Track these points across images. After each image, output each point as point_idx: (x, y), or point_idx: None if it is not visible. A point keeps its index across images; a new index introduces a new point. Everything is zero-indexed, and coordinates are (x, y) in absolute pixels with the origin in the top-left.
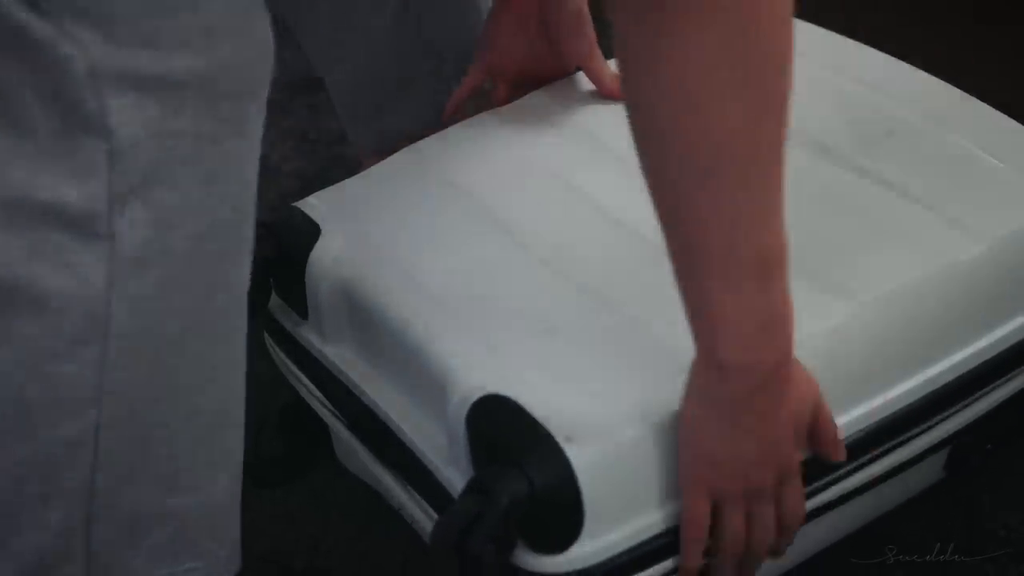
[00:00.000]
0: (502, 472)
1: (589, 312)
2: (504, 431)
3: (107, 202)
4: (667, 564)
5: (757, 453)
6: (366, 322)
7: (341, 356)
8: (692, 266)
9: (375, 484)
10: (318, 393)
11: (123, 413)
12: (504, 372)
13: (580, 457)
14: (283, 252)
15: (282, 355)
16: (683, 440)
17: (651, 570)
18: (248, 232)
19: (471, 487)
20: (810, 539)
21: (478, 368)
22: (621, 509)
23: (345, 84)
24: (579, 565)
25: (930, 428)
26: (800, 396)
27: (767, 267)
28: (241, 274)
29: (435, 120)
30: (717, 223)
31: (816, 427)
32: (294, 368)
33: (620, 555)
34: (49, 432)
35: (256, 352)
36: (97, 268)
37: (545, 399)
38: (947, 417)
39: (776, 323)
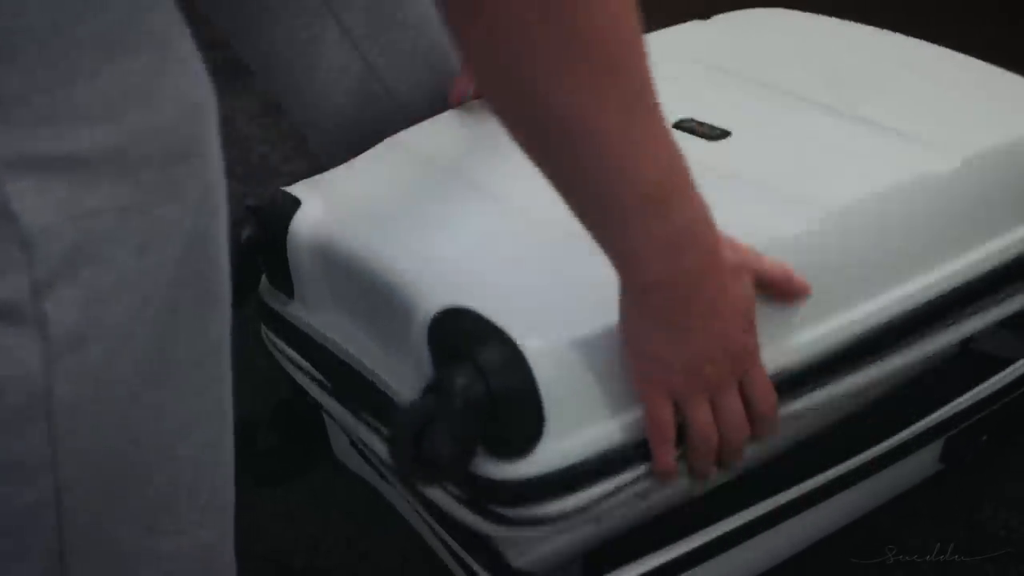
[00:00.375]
0: (457, 370)
1: (556, 245)
2: (463, 338)
3: (30, 290)
4: (640, 470)
5: (707, 348)
6: (341, 276)
7: (323, 321)
8: (583, 214)
9: (365, 459)
10: (305, 364)
11: (85, 473)
12: (467, 290)
13: (536, 352)
14: (267, 231)
15: (272, 336)
16: (630, 351)
17: (623, 475)
18: (212, 283)
19: (428, 389)
20: (810, 525)
21: (442, 290)
22: (586, 410)
23: (319, 136)
24: (544, 469)
25: (905, 348)
26: (736, 274)
27: (660, 200)
28: (209, 325)
29: None
30: (586, 181)
31: (763, 280)
32: (282, 345)
33: (588, 460)
34: (7, 499)
35: (254, 349)
36: (30, 351)
37: (505, 308)
38: (922, 339)
39: (690, 233)
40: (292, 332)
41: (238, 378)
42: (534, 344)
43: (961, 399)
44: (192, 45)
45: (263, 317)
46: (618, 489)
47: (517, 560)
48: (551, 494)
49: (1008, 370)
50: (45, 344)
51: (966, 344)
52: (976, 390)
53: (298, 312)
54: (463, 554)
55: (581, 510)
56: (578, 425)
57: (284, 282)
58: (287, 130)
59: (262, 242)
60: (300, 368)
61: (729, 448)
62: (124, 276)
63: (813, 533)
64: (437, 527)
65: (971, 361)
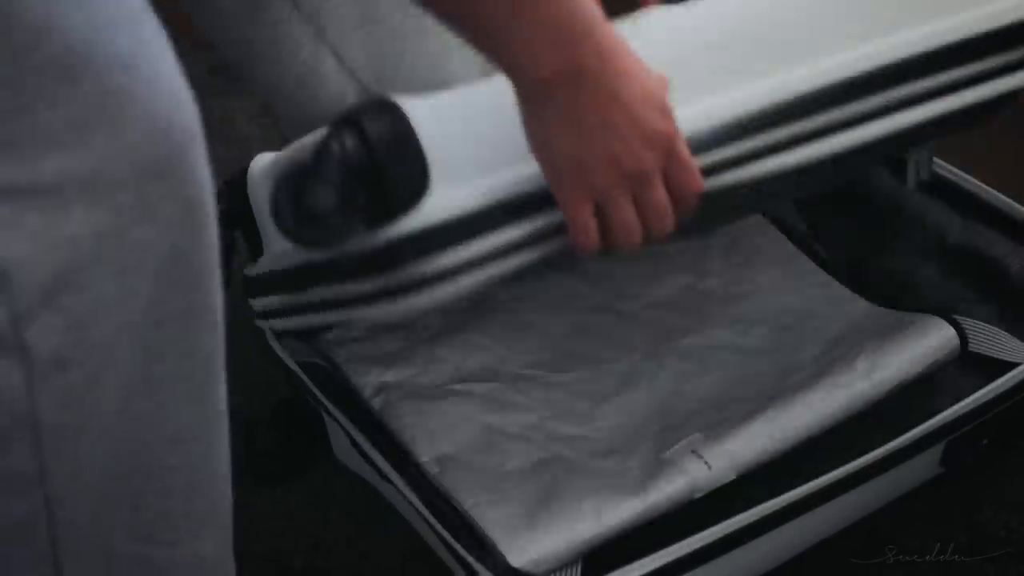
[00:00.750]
0: (335, 130)
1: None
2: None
3: (10, 322)
4: (537, 223)
5: (622, 140)
6: None
7: (286, 248)
8: (464, 35)
9: (365, 459)
10: (277, 300)
11: (75, 485)
12: None
13: (413, 106)
14: (238, 198)
15: (256, 305)
16: (542, 159)
17: (512, 230)
18: (198, 298)
19: (311, 152)
20: (809, 528)
21: None
22: (473, 162)
23: None
24: (435, 219)
25: (829, 132)
26: (640, 63)
27: None
28: (196, 340)
29: None
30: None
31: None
32: (260, 301)
33: (476, 211)
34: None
35: (252, 349)
36: (13, 375)
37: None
38: (859, 119)
39: (578, 22)
40: (267, 282)
41: (237, 377)
42: (411, 101)
43: (962, 404)
44: (171, 64)
45: (247, 292)
46: (509, 246)
47: (517, 560)
48: (441, 245)
49: (1009, 375)
50: (27, 368)
51: (966, 346)
52: (977, 395)
53: (268, 257)
54: (463, 553)
55: (472, 263)
56: (466, 178)
57: (259, 247)
58: None
59: (235, 211)
60: (282, 312)
61: (654, 236)
62: (104, 300)
63: (812, 536)
64: (437, 526)
65: (972, 365)
